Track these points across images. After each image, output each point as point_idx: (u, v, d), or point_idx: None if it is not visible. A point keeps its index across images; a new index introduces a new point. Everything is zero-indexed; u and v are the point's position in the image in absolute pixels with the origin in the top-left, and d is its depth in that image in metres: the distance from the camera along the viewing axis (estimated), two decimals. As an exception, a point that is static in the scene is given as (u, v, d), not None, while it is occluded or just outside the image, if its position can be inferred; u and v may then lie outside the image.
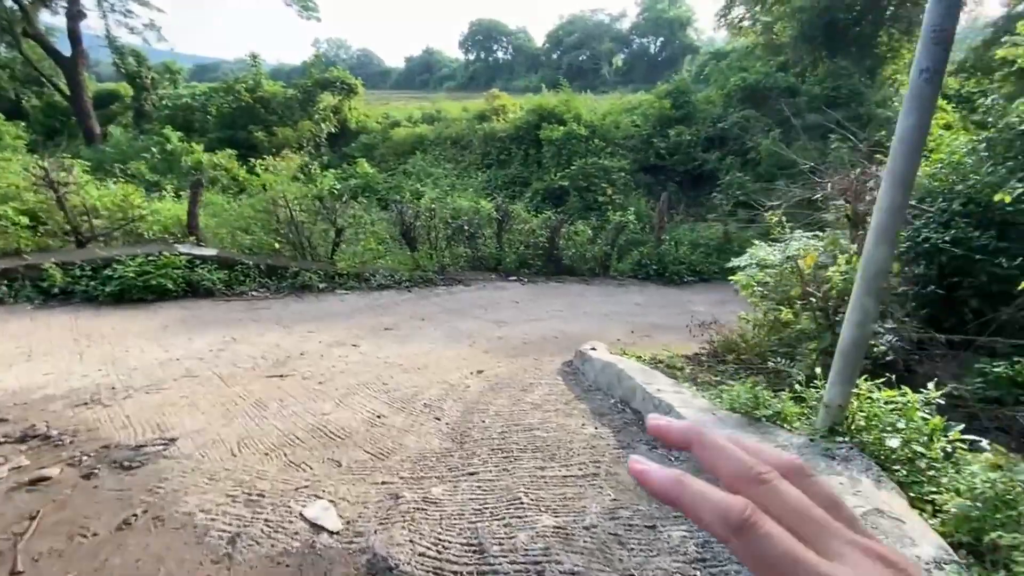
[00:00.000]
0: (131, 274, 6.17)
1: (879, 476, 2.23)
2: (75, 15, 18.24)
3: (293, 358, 4.81)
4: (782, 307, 4.86)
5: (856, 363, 2.49)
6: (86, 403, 3.62)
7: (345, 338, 5.54)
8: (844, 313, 4.21)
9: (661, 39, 59.48)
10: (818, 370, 3.06)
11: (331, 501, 2.59)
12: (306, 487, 2.72)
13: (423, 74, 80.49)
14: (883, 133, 14.72)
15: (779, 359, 4.95)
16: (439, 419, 3.65)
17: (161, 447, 3.06)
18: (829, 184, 4.44)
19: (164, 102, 19.16)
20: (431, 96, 40.69)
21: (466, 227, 9.43)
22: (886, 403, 2.51)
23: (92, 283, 6.20)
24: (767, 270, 4.97)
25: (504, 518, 2.44)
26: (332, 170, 17.65)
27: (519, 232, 10.28)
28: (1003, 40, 8.33)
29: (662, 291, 10.74)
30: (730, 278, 6.76)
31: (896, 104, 16.55)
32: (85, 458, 2.94)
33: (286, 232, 8.06)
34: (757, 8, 20.09)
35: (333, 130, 19.99)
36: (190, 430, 3.29)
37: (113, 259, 6.39)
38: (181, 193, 9.62)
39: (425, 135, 19.96)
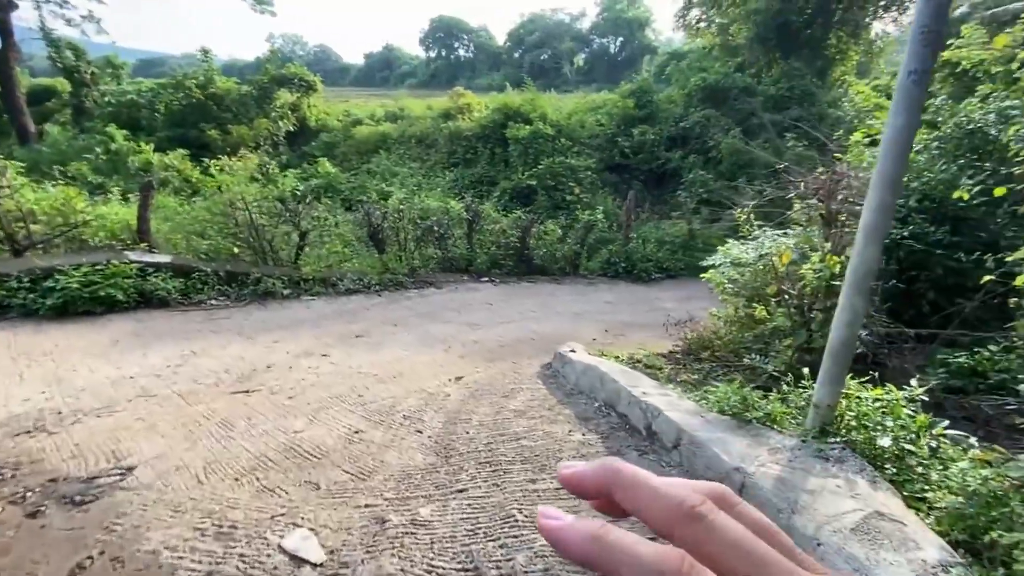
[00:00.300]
0: (75, 285, 5.71)
1: (873, 477, 2.24)
2: (5, 5, 16.94)
3: (259, 371, 4.54)
4: (755, 304, 4.94)
5: (846, 363, 2.50)
6: (28, 431, 3.29)
7: (314, 347, 5.29)
8: (818, 310, 4.31)
9: (621, 39, 60.36)
10: (806, 370, 3.07)
11: (311, 529, 2.41)
12: (283, 515, 2.53)
13: (383, 71, 79.10)
14: (841, 133, 15.35)
15: (754, 356, 5.02)
16: (420, 432, 3.49)
17: (117, 477, 2.79)
18: (802, 183, 4.50)
19: (107, 99, 18.04)
20: (392, 93, 39.99)
21: (436, 228, 9.24)
22: (874, 401, 2.54)
23: (31, 296, 5.70)
24: (740, 268, 5.03)
25: (499, 538, 2.33)
26: (292, 170, 17.07)
27: (490, 232, 10.16)
28: (948, 43, 8.71)
29: (631, 288, 10.83)
30: (702, 276, 6.85)
31: (845, 104, 17.27)
32: (30, 494, 2.65)
33: (246, 236, 7.67)
34: (714, 10, 20.58)
35: (292, 128, 19.30)
36: (149, 457, 3.02)
37: (54, 269, 5.90)
38: (129, 196, 9.04)
39: (389, 133, 19.54)
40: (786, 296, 4.19)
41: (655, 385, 3.75)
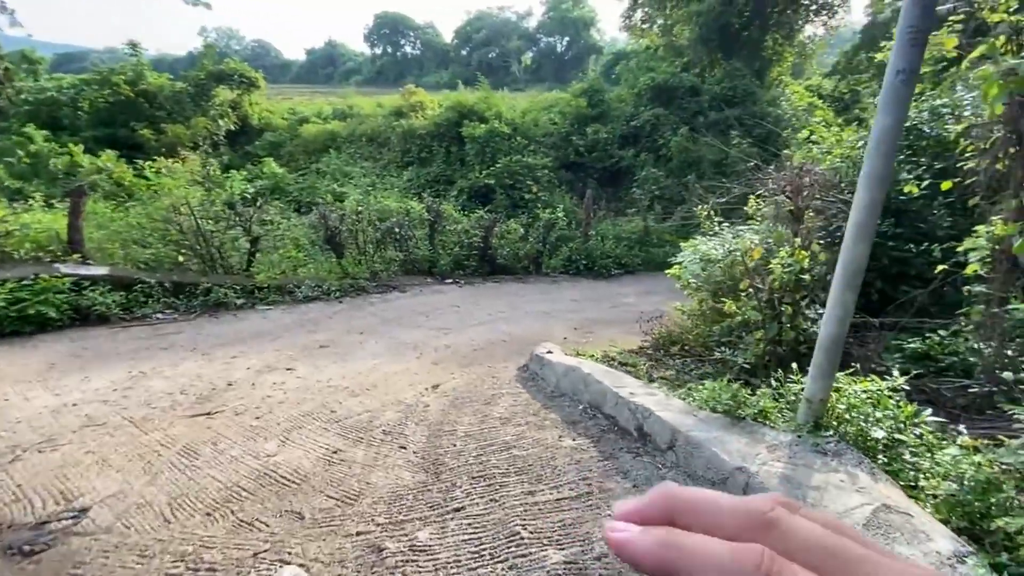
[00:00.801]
0: (0, 303, 5.11)
1: (872, 469, 2.28)
2: None
3: (220, 390, 4.20)
4: (725, 299, 5.03)
5: (836, 358, 2.55)
6: (-47, 474, 2.88)
7: (277, 361, 4.97)
8: (787, 303, 4.44)
9: (567, 38, 61.04)
10: (785, 363, 3.12)
11: (301, 565, 2.21)
12: (266, 550, 2.31)
13: (327, 68, 76.59)
14: (788, 131, 16.11)
15: (723, 349, 5.12)
16: (405, 448, 3.32)
17: (70, 521, 2.47)
18: (769, 180, 4.62)
19: (23, 96, 16.43)
20: (339, 91, 38.74)
21: (397, 229, 8.95)
22: (862, 393, 2.60)
23: (-56, 317, 5.06)
24: (709, 264, 5.11)
25: (507, 559, 2.21)
26: (235, 171, 16.18)
27: (452, 233, 9.96)
28: (882, 44, 9.25)
29: (593, 285, 10.92)
30: (667, 272, 6.96)
31: (783, 103, 18.15)
32: (-38, 550, 2.30)
33: (191, 243, 7.14)
34: (658, 11, 21.10)
35: (233, 127, 18.28)
36: (105, 495, 2.70)
37: (-29, 286, 5.26)
38: (54, 202, 8.22)
39: (338, 132, 18.86)
40: (756, 290, 4.28)
41: (640, 385, 3.74)
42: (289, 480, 2.91)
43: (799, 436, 2.59)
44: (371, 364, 5.05)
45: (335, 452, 3.24)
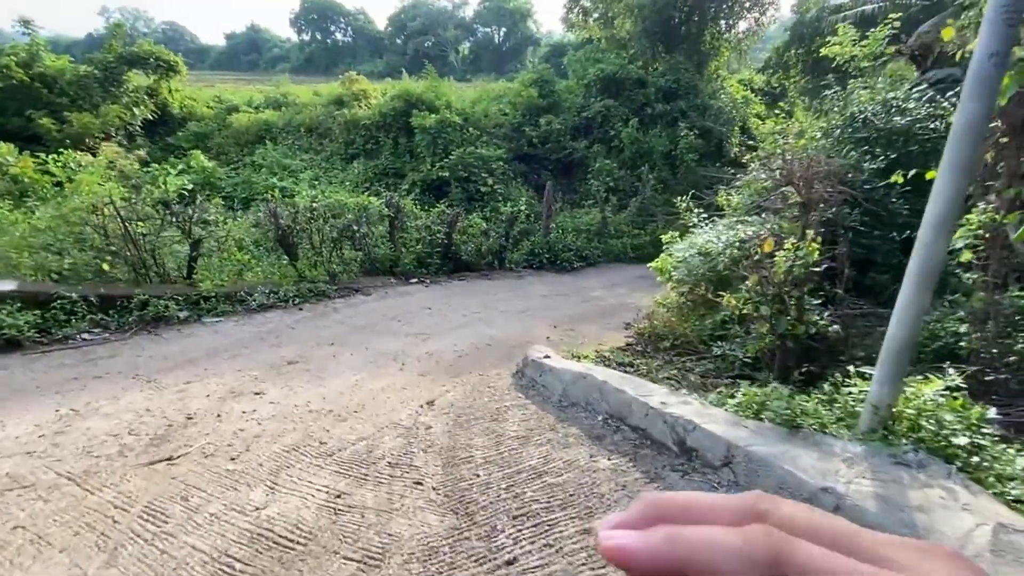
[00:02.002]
0: None
1: (965, 481, 2.11)
2: None
3: (178, 427, 3.51)
4: (719, 292, 4.86)
5: (906, 361, 2.36)
6: None
7: (241, 385, 4.29)
8: (795, 297, 4.33)
9: (504, 29, 60.45)
10: (854, 370, 2.92)
11: (337, 665, 1.73)
12: (285, 648, 1.81)
13: (250, 54, 71.71)
14: (737, 126, 16.56)
15: (721, 344, 4.99)
16: (420, 483, 2.85)
17: (-1, 638, 1.84)
18: (778, 171, 4.47)
19: None
20: (266, 78, 36.26)
21: (355, 227, 8.24)
22: (936, 396, 2.44)
23: None
24: (707, 257, 4.92)
25: (592, 628, 1.84)
26: (157, 165, 14.55)
27: (413, 230, 9.35)
28: (829, 39, 9.51)
29: (558, 279, 10.69)
30: (650, 265, 6.79)
31: (723, 96, 18.71)
32: None
33: (120, 249, 6.15)
34: (599, 3, 21.07)
35: (151, 117, 16.43)
36: (48, 590, 2.06)
37: None
38: (-65, 204, 6.84)
39: (273, 122, 17.45)
40: (763, 283, 4.13)
41: (668, 392, 3.47)
42: (291, 540, 2.37)
43: (869, 446, 2.40)
44: (352, 381, 4.49)
45: (339, 496, 2.73)
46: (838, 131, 6.93)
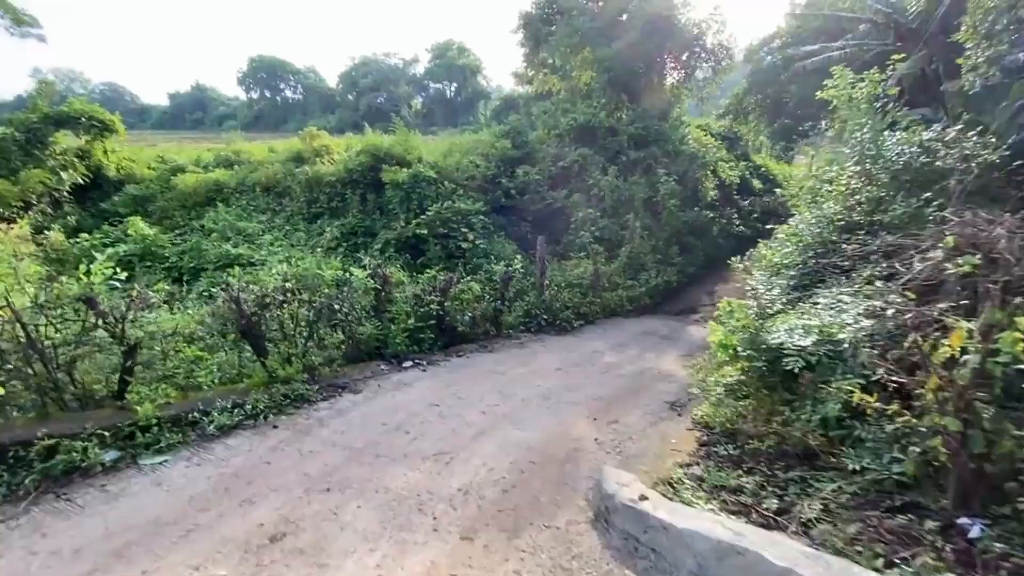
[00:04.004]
0: None
1: None
2: None
3: None
4: (864, 393, 3.69)
5: None
6: None
7: (201, 599, 2.69)
8: (988, 404, 3.23)
9: (455, 84, 61.30)
10: None
11: None
12: None
13: (195, 112, 69.38)
14: (709, 171, 16.23)
15: (847, 449, 3.78)
16: None
17: None
18: (950, 236, 3.43)
19: None
20: (213, 136, 34.47)
21: (335, 305, 6.74)
22: None
23: None
24: (831, 343, 3.77)
25: None
26: (86, 234, 12.53)
27: (401, 301, 7.92)
28: (824, 83, 9.04)
29: (563, 344, 9.47)
30: (712, 341, 5.65)
31: (690, 141, 18.60)
32: None
33: (18, 366, 4.42)
34: (560, 57, 20.95)
35: (82, 181, 14.42)
36: None
37: None
38: None
39: (224, 181, 15.74)
40: (944, 389, 3.02)
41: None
42: None
43: None
44: (371, 564, 2.97)
45: None
46: (883, 175, 6.23)
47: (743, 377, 5.38)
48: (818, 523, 3.14)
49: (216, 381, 5.88)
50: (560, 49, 19.64)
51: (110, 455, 4.11)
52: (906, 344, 3.13)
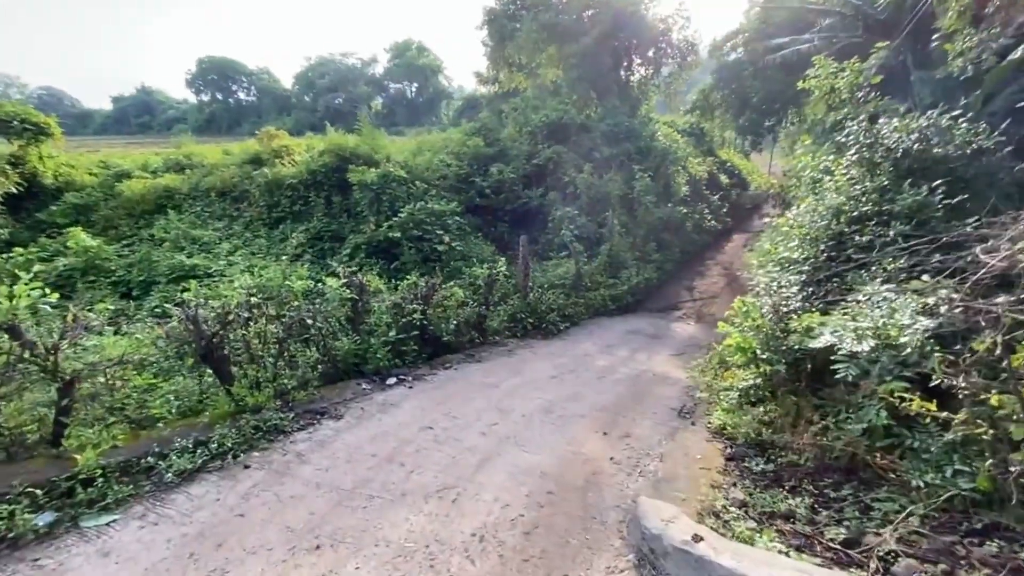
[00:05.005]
0: None
1: None
2: None
3: None
4: (904, 390, 3.33)
5: None
6: None
7: None
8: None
9: (416, 84, 60.00)
10: None
11: None
12: None
13: (142, 116, 65.55)
14: (680, 166, 16.05)
15: (921, 467, 3.39)
16: None
17: None
18: None
19: None
20: (162, 141, 32.44)
21: (309, 319, 6.01)
22: None
23: None
24: (887, 349, 3.38)
25: None
26: (21, 248, 11.20)
27: (380, 312, 7.24)
28: (805, 73, 8.89)
29: (552, 348, 9.01)
30: (727, 344, 5.26)
31: (660, 138, 18.47)
32: None
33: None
34: (523, 55, 20.46)
35: (14, 189, 12.97)
36: None
37: None
38: None
39: (175, 187, 14.57)
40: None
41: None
42: None
43: None
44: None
45: None
46: (886, 164, 6.00)
47: (759, 381, 5.02)
48: (897, 558, 2.74)
49: (174, 412, 5.10)
50: (526, 46, 19.18)
51: (44, 519, 3.32)
52: (981, 345, 2.76)
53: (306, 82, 61.37)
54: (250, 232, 13.62)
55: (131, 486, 3.74)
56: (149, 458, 4.02)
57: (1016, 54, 6.93)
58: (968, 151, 5.97)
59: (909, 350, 3.12)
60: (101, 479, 3.68)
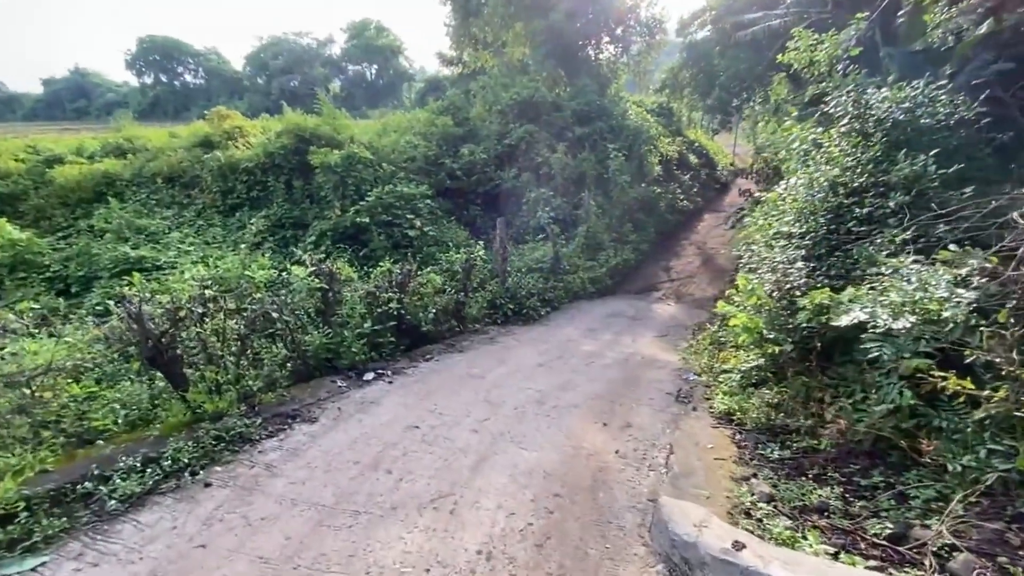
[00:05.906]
0: None
1: None
2: None
3: None
4: (929, 367, 3.10)
5: None
6: None
7: None
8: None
9: (376, 66, 57.74)
10: None
11: None
12: None
13: (77, 100, 60.75)
14: (653, 145, 15.76)
15: (953, 446, 3.18)
16: None
17: None
18: None
19: None
20: (100, 126, 30.03)
21: (274, 312, 5.38)
22: None
23: None
24: (929, 324, 3.08)
25: None
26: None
27: (353, 302, 6.65)
28: (786, 46, 8.66)
29: (533, 334, 8.64)
30: (731, 323, 4.97)
31: (632, 117, 18.15)
32: None
33: None
34: (489, 31, 19.71)
35: (-80, 178, 11.48)
36: None
37: None
38: None
39: (116, 173, 13.27)
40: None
41: None
42: None
43: None
44: None
45: None
46: (879, 135, 5.80)
47: (763, 362, 4.76)
48: (952, 552, 2.48)
49: (120, 423, 4.43)
50: (492, 21, 18.44)
51: (-52, 570, 2.70)
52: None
53: (258, 63, 58.09)
54: (203, 220, 12.55)
55: (65, 519, 3.12)
56: (87, 483, 3.39)
57: (982, 29, 6.89)
58: (952, 122, 5.87)
59: (952, 325, 2.86)
60: (25, 513, 3.05)
